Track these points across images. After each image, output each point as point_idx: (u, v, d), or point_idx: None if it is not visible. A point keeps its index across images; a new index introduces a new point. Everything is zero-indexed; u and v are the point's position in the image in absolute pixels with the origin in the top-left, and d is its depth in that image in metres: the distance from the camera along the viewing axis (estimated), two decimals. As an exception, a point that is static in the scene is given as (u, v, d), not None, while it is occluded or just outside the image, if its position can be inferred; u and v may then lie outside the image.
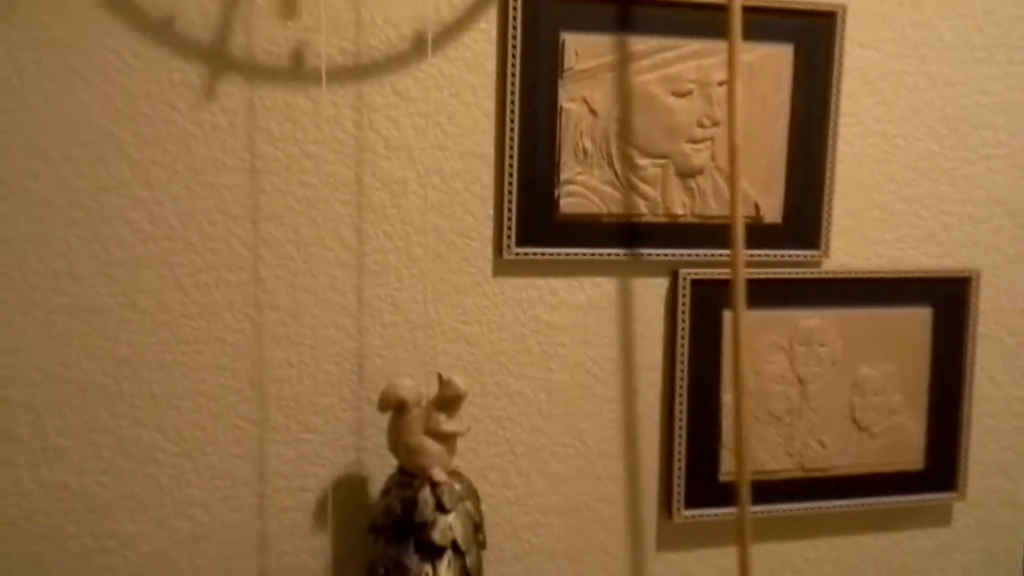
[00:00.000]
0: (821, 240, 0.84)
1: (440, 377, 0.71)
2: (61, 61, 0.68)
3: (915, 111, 0.85)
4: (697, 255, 0.81)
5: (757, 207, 0.82)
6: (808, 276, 0.84)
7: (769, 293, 0.83)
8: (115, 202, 0.70)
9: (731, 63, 0.71)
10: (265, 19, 0.72)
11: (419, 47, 0.75)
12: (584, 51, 0.77)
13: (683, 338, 0.82)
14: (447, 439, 0.71)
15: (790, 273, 0.84)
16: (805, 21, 0.81)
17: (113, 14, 0.69)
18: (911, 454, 0.89)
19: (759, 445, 0.85)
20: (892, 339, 0.87)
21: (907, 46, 0.84)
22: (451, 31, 0.75)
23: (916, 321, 0.88)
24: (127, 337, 0.72)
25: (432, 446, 0.70)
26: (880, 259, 0.87)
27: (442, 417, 0.70)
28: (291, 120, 0.73)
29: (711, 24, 0.79)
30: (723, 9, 0.79)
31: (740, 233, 0.72)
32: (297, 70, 0.73)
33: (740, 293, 0.72)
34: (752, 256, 0.82)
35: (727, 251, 0.82)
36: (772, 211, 0.83)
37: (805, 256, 0.84)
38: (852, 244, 0.86)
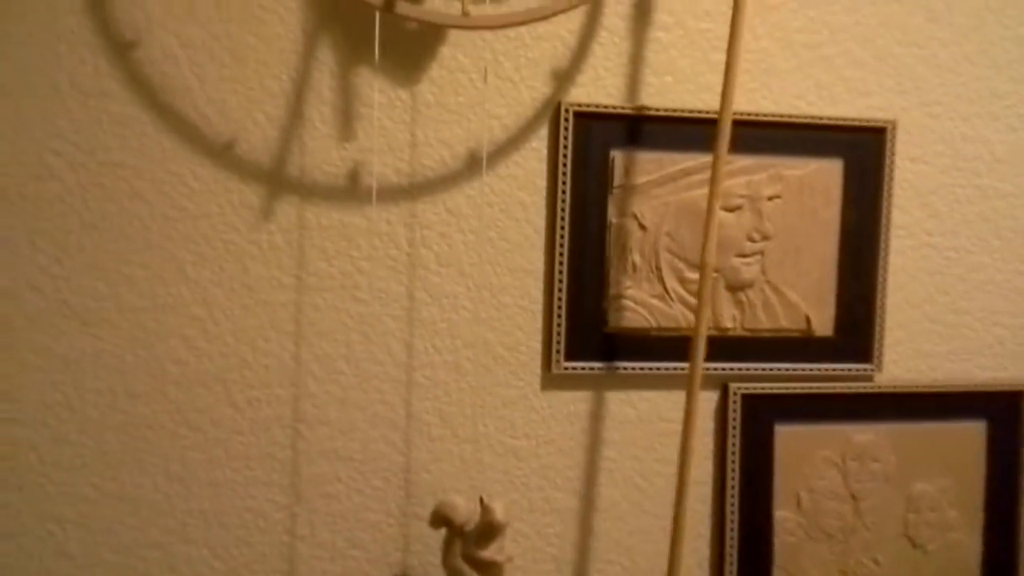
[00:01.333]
0: (873, 353, 0.83)
1: (481, 501, 0.70)
2: (126, 184, 0.70)
3: (967, 223, 0.85)
4: (747, 369, 0.81)
5: (808, 320, 0.82)
6: (860, 391, 0.83)
7: (821, 408, 0.82)
8: (173, 320, 0.71)
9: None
10: (322, 141, 0.73)
11: (472, 166, 0.76)
12: (633, 168, 0.78)
13: (734, 453, 0.81)
14: (487, 567, 0.70)
15: (842, 388, 0.82)
16: (855, 136, 0.81)
17: (177, 139, 0.71)
18: (967, 572, 0.86)
19: (811, 563, 0.83)
20: (946, 454, 0.85)
21: (958, 159, 0.84)
22: (503, 150, 0.76)
23: (970, 435, 0.86)
24: (179, 454, 0.72)
25: (471, 573, 0.69)
26: (933, 372, 0.85)
27: (481, 544, 0.69)
28: (345, 238, 0.74)
29: (760, 140, 0.79)
30: (772, 126, 0.80)
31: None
32: (352, 189, 0.74)
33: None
34: (804, 370, 0.81)
35: (779, 364, 0.81)
36: (824, 324, 0.82)
37: (857, 370, 0.83)
38: (905, 357, 0.85)
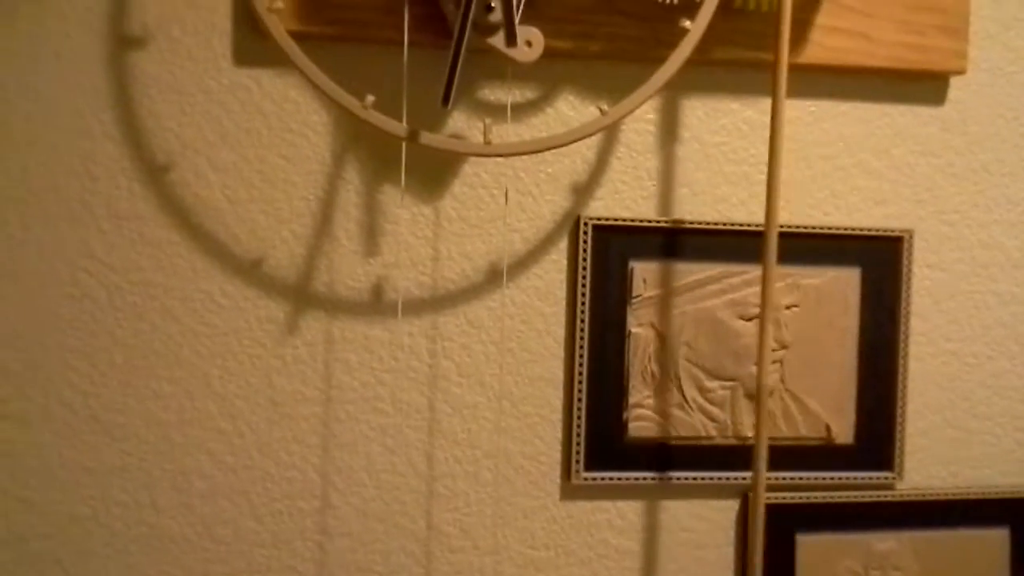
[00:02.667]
0: (895, 461, 0.83)
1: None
2: (158, 303, 0.72)
3: (986, 329, 0.85)
4: (768, 478, 0.81)
5: (828, 429, 0.82)
6: (882, 499, 0.82)
7: (842, 517, 0.82)
8: (199, 435, 0.73)
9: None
10: (348, 257, 0.75)
11: (493, 278, 0.77)
12: (652, 278, 0.79)
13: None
14: None
15: (864, 496, 0.82)
16: (872, 245, 0.82)
17: (208, 258, 0.73)
18: None
19: (835, 675, 0.82)
20: (969, 561, 0.84)
21: (976, 266, 0.85)
22: (523, 262, 0.78)
23: (993, 542, 0.85)
24: (203, 567, 0.73)
25: None
26: (955, 479, 0.85)
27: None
28: (368, 350, 0.75)
29: (779, 250, 0.80)
30: (788, 237, 0.81)
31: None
32: (376, 303, 0.75)
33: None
34: (824, 479, 0.81)
35: (799, 473, 0.81)
36: (844, 432, 0.82)
37: (878, 478, 0.82)
38: (926, 464, 0.84)
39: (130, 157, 0.72)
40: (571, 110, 0.78)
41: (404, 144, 0.72)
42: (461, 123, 0.76)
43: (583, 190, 0.79)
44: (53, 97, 0.70)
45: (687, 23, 0.69)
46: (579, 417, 0.78)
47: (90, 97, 0.71)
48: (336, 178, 0.75)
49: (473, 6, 0.65)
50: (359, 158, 0.75)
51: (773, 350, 0.81)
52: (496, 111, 0.76)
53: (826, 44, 0.79)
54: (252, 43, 0.72)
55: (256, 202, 0.73)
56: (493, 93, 0.76)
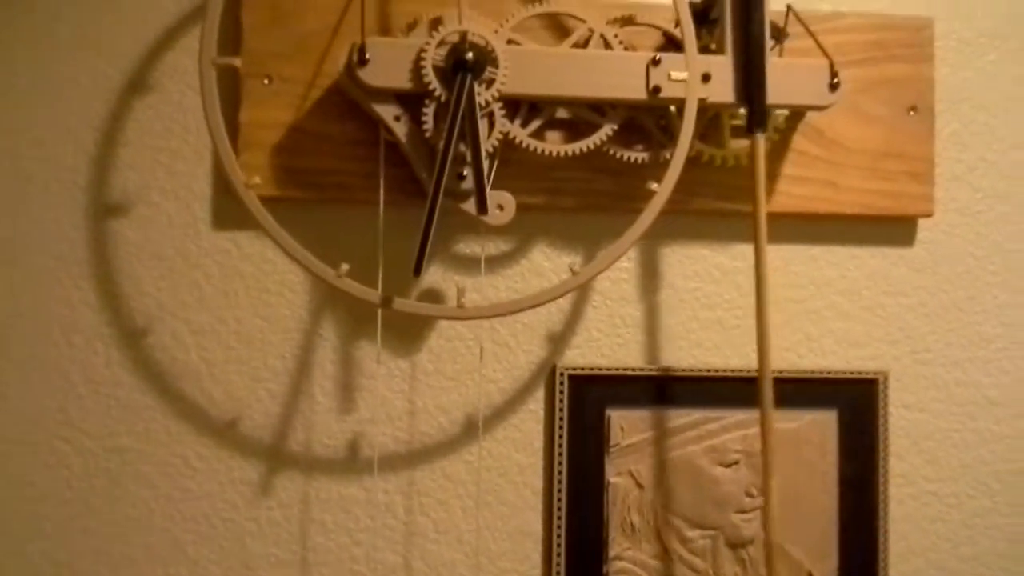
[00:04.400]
0: (880, 607, 0.82)
1: None
2: (132, 468, 0.72)
3: (966, 468, 0.85)
4: (751, 628, 0.80)
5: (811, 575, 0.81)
6: (869, 647, 0.81)
7: (829, 667, 0.80)
8: (172, 602, 0.72)
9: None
10: (323, 415, 0.75)
11: (469, 431, 0.77)
12: (629, 426, 0.79)
13: None
14: None
15: (849, 645, 0.81)
16: (848, 387, 0.82)
17: (183, 421, 0.73)
18: None
19: None
20: None
21: (952, 405, 0.85)
22: (501, 413, 0.78)
23: None
24: None
25: None
26: (943, 622, 0.84)
27: None
28: (344, 510, 0.75)
29: (752, 395, 0.80)
30: (765, 382, 0.81)
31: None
32: (352, 461, 0.75)
33: None
34: (808, 628, 0.80)
35: (782, 622, 0.80)
36: (826, 579, 0.81)
37: (864, 625, 0.81)
38: (912, 609, 0.83)
39: (108, 323, 0.72)
40: (546, 260, 0.79)
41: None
42: (437, 277, 0.77)
43: (559, 339, 0.79)
44: (33, 266, 0.72)
45: (654, 185, 0.70)
46: (558, 572, 0.77)
47: (70, 265, 0.72)
48: (313, 335, 0.75)
49: (444, 176, 0.66)
50: (336, 316, 0.76)
51: (752, 496, 0.81)
52: (471, 264, 0.77)
53: (793, 193, 0.80)
54: (231, 206, 0.74)
55: (232, 363, 0.74)
56: (468, 247, 0.78)
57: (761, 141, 0.71)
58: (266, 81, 0.73)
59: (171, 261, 0.73)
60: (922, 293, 0.85)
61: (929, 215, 0.82)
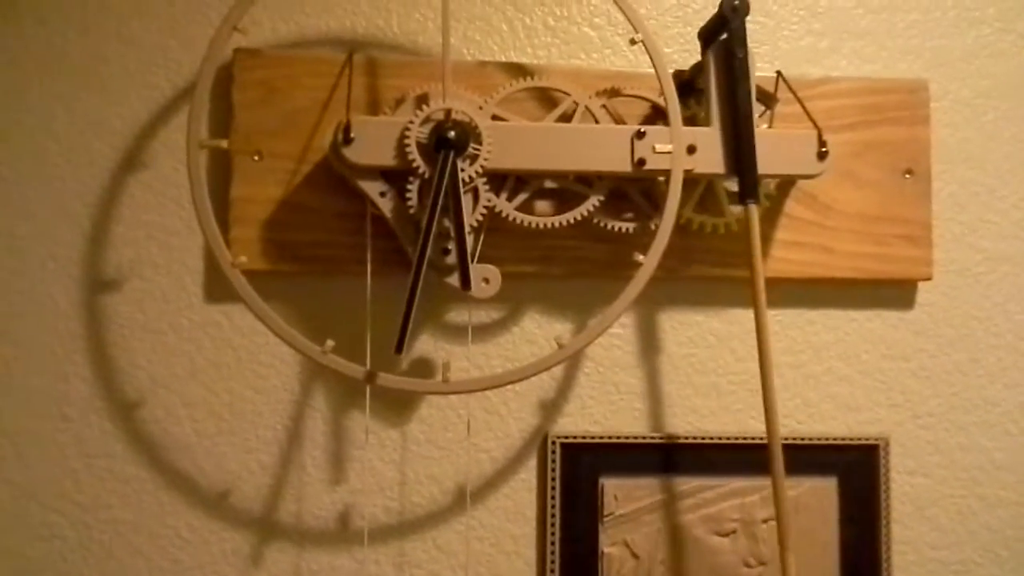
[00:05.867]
0: None
1: None
2: (125, 540, 0.73)
3: (971, 535, 0.83)
4: None
5: (811, 648, 0.79)
6: None
7: None
8: (162, 676, 0.72)
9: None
10: (314, 485, 0.75)
11: (461, 501, 0.77)
12: (623, 495, 0.79)
13: None
14: None
15: None
16: (848, 454, 0.81)
17: (175, 493, 0.74)
18: None
19: None
20: None
21: (956, 470, 0.83)
22: (492, 482, 0.78)
23: None
24: None
25: None
26: None
27: None
28: (335, 581, 0.75)
29: (750, 462, 0.80)
30: (762, 448, 0.80)
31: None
32: (343, 532, 0.75)
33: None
34: None
35: None
36: (827, 652, 0.79)
37: None
38: None
39: (102, 396, 0.73)
40: (537, 328, 0.79)
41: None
42: (429, 346, 0.77)
43: (551, 406, 0.79)
44: (28, 340, 0.73)
45: (640, 257, 0.70)
46: (552, 642, 0.76)
47: (65, 340, 0.73)
48: (304, 407, 0.76)
49: (427, 254, 0.67)
50: (326, 387, 0.76)
51: (750, 567, 0.79)
52: (461, 332, 0.78)
53: (787, 258, 0.80)
54: (222, 280, 0.74)
55: (224, 435, 0.75)
56: (459, 315, 0.78)
57: (755, 212, 0.70)
58: (256, 157, 0.74)
59: (164, 335, 0.75)
60: (923, 356, 0.83)
61: (927, 279, 0.81)
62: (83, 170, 0.75)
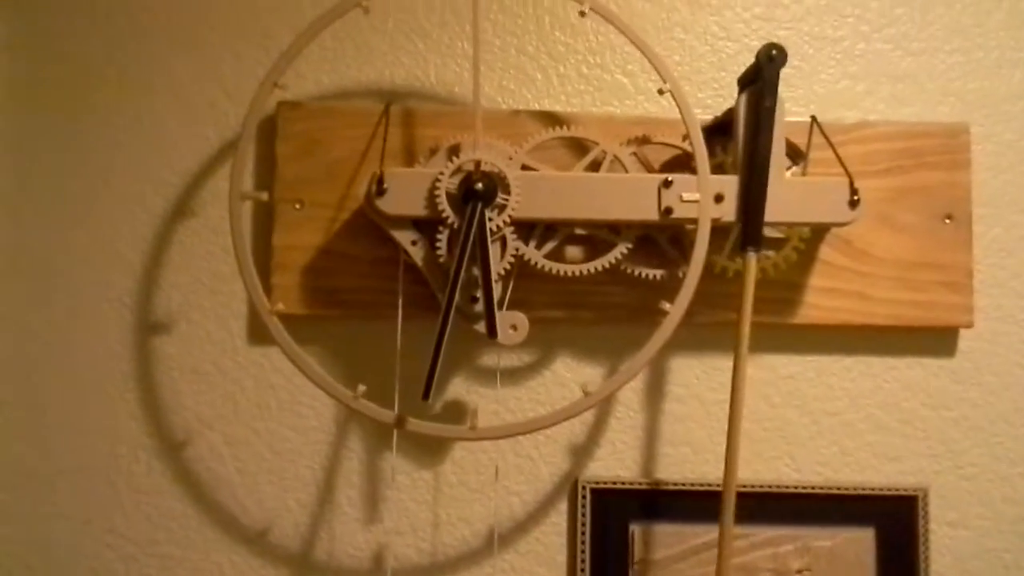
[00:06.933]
0: None
1: None
2: (172, 574, 0.76)
3: (1020, 591, 0.80)
4: None
5: None
6: None
7: None
8: None
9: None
10: (349, 524, 0.78)
11: (491, 544, 0.78)
12: (653, 542, 0.79)
13: None
14: None
15: None
16: (886, 504, 0.79)
17: (219, 529, 0.77)
18: None
19: None
20: None
21: (1001, 522, 0.81)
22: (523, 525, 0.79)
23: None
24: None
25: None
26: None
27: None
28: (368, 619, 0.77)
29: (784, 511, 0.79)
30: (795, 497, 0.79)
31: None
32: (376, 572, 0.77)
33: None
34: None
35: None
36: None
37: None
38: None
39: (150, 435, 0.77)
40: (567, 371, 0.80)
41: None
42: (461, 389, 0.79)
43: (581, 451, 0.80)
44: (83, 380, 0.77)
45: (667, 306, 0.70)
46: None
47: (117, 380, 0.77)
48: (340, 447, 0.78)
49: (453, 304, 0.68)
50: (362, 428, 0.78)
51: (783, 616, 0.78)
52: (491, 376, 0.79)
53: (822, 305, 0.79)
54: (265, 323, 0.78)
55: (264, 473, 0.78)
56: (490, 358, 0.79)
57: (752, 260, 0.70)
58: (298, 206, 0.77)
59: (209, 376, 0.78)
60: (964, 405, 0.81)
61: (968, 326, 0.79)
62: (137, 218, 0.79)
